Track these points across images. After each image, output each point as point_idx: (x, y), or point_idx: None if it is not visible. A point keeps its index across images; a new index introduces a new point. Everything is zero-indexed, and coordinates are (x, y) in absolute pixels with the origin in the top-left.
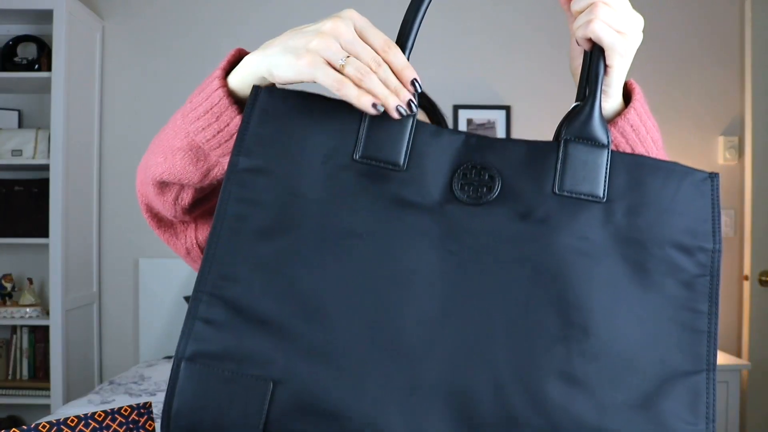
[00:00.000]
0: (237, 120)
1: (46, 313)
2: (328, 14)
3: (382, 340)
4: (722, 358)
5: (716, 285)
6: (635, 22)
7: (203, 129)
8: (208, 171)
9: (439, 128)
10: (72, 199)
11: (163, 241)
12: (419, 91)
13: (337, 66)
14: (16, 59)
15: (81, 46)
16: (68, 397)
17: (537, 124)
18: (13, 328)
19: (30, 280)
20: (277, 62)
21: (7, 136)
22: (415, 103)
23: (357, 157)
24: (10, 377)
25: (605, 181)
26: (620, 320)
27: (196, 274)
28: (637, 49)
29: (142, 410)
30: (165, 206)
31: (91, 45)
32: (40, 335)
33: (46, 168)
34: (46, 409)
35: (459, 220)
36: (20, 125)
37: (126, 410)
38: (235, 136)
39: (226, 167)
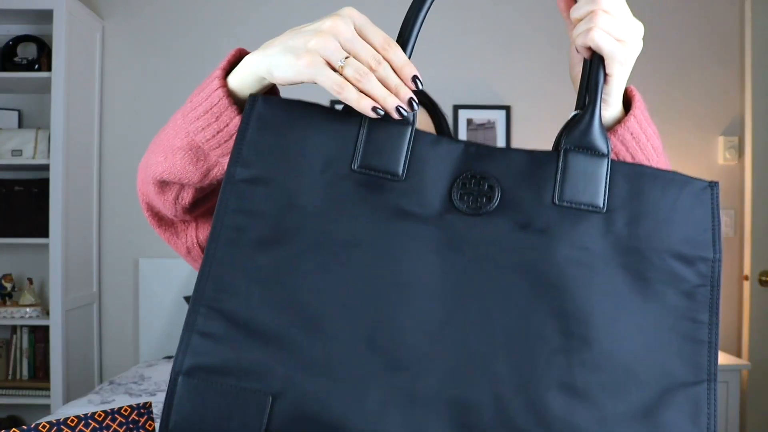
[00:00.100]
0: (237, 120)
1: (46, 313)
2: (328, 14)
3: (381, 351)
4: (722, 358)
5: (717, 295)
6: (635, 30)
7: (203, 129)
8: (208, 171)
9: (438, 137)
10: (72, 199)
11: (163, 240)
12: (420, 87)
13: (337, 66)
14: (16, 59)
15: (81, 46)
16: (68, 397)
17: (537, 124)
18: (13, 328)
19: (30, 280)
20: (276, 62)
21: (7, 136)
22: (416, 101)
23: (355, 167)
24: (10, 377)
25: (605, 192)
26: (621, 331)
27: (196, 273)
28: None
29: (142, 410)
30: (165, 205)
31: (91, 45)
32: (40, 335)
33: (46, 168)
34: (46, 409)
35: (458, 231)
36: (20, 125)
37: (126, 410)
38: (234, 136)
39: (226, 167)
